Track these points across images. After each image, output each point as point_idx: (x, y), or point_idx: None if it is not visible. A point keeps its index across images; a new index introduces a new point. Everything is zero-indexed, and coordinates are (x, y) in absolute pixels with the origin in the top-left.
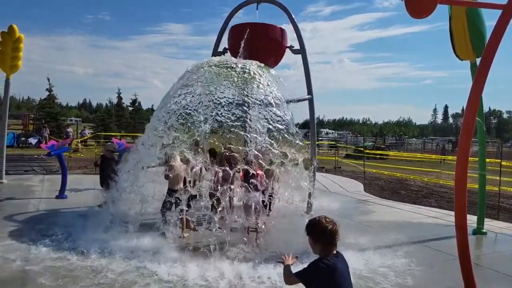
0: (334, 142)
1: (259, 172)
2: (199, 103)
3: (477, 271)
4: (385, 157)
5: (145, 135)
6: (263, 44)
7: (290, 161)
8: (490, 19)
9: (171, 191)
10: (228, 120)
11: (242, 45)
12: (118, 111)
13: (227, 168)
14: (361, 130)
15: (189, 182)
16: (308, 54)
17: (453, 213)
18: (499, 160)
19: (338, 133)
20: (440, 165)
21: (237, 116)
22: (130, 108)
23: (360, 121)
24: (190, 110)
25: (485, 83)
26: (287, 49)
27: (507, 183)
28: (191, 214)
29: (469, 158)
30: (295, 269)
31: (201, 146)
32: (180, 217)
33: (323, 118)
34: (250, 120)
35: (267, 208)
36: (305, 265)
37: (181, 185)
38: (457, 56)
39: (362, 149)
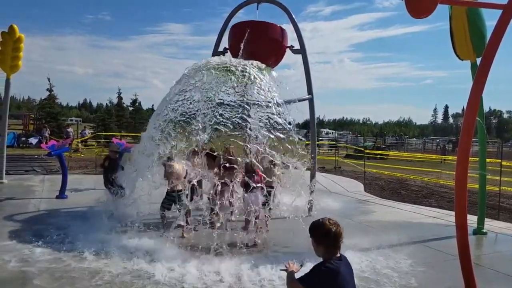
0: (334, 142)
1: (259, 172)
2: (197, 110)
3: (478, 271)
4: (385, 157)
5: (142, 144)
6: (263, 44)
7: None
8: (490, 19)
9: (170, 192)
10: (228, 130)
11: (242, 47)
12: (119, 111)
13: (226, 177)
14: (361, 130)
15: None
16: (308, 54)
17: (453, 213)
18: (499, 160)
19: (338, 133)
20: (440, 165)
21: (237, 123)
22: (131, 108)
23: (360, 121)
24: (188, 118)
25: (485, 83)
26: (287, 49)
27: (507, 183)
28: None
29: (470, 158)
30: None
31: (199, 156)
32: (180, 218)
33: (323, 118)
34: (250, 129)
35: (268, 206)
36: (307, 270)
37: (180, 185)
38: (457, 56)
39: (362, 149)
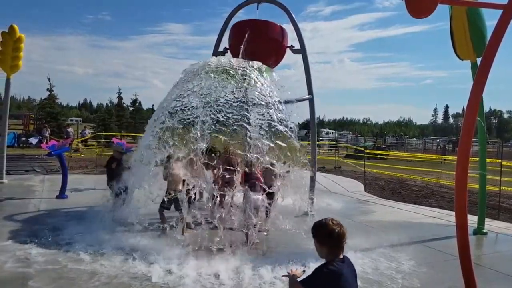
0: (334, 142)
1: (259, 172)
2: (196, 117)
3: (478, 271)
4: (385, 157)
5: (139, 152)
6: (263, 44)
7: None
8: (490, 19)
9: (170, 193)
10: (227, 139)
11: (242, 49)
12: (119, 111)
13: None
14: (362, 130)
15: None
16: (309, 54)
17: (453, 213)
18: (499, 160)
19: (339, 133)
20: (440, 165)
21: (237, 130)
22: (131, 108)
23: (361, 121)
24: (186, 125)
25: (485, 83)
26: (288, 49)
27: (507, 183)
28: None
29: (470, 158)
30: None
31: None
32: (180, 217)
33: (323, 118)
34: (250, 138)
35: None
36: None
37: (180, 187)
38: (457, 56)
39: (362, 149)
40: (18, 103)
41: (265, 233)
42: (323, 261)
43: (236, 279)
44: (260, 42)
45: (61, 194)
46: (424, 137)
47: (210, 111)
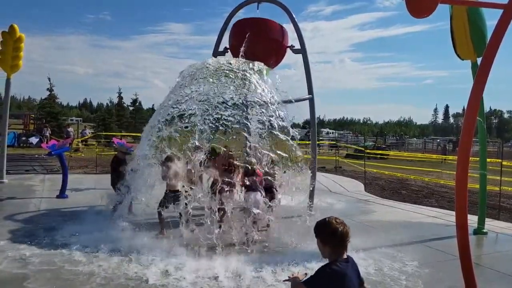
0: (334, 142)
1: (259, 172)
2: (194, 126)
3: (478, 271)
4: (385, 157)
5: (135, 162)
6: (264, 44)
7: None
8: (491, 18)
9: (169, 192)
10: (226, 151)
11: (242, 52)
12: (119, 111)
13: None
14: (362, 130)
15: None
16: (309, 54)
17: (453, 213)
18: (499, 160)
19: (339, 132)
20: (440, 165)
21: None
22: (131, 108)
23: (361, 121)
24: (182, 134)
25: (486, 83)
26: (288, 49)
27: (507, 183)
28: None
29: (470, 158)
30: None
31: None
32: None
33: (323, 117)
34: (249, 148)
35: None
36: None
37: (179, 186)
38: (458, 55)
39: (362, 149)
40: (18, 102)
41: (264, 230)
42: (325, 261)
43: (236, 281)
44: (261, 42)
45: (61, 194)
46: (424, 137)
47: (209, 119)
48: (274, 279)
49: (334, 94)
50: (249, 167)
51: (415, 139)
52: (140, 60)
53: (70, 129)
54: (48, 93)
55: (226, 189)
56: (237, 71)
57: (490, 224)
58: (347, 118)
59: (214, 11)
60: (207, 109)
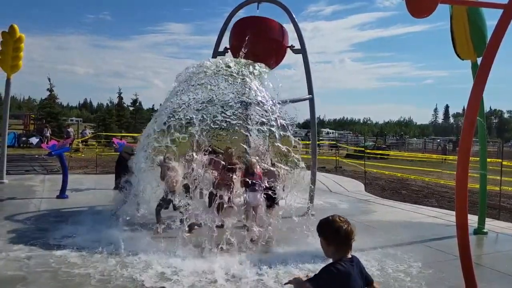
0: (334, 142)
1: (259, 171)
2: (190, 135)
3: (478, 271)
4: (386, 157)
5: (133, 175)
6: (264, 44)
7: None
8: (491, 18)
9: (167, 193)
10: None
11: (243, 53)
12: (119, 111)
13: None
14: (362, 130)
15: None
16: (309, 54)
17: (454, 213)
18: (500, 160)
19: (339, 132)
20: (441, 165)
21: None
22: (131, 108)
23: (361, 121)
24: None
25: (486, 83)
26: (288, 49)
27: (508, 182)
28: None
29: (470, 158)
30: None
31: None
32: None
33: (323, 117)
34: (248, 154)
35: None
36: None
37: (178, 186)
38: (458, 55)
39: (363, 149)
40: (18, 103)
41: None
42: (328, 261)
43: (236, 285)
44: (261, 42)
45: (62, 194)
46: (424, 137)
47: (207, 129)
48: (275, 282)
49: (334, 94)
50: (249, 167)
51: (415, 139)
52: (140, 60)
53: (70, 129)
54: (48, 93)
55: (226, 190)
56: (237, 76)
57: (490, 224)
58: (347, 118)
59: (214, 11)
60: (205, 118)
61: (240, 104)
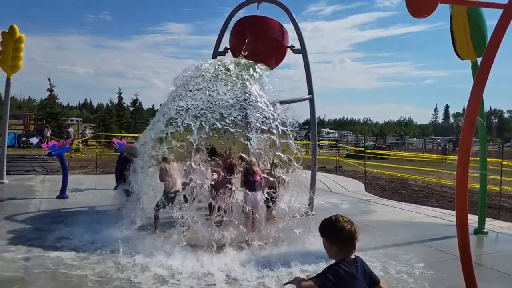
0: (335, 142)
1: (259, 171)
2: (188, 145)
3: (478, 271)
4: (386, 157)
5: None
6: (264, 44)
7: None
8: (491, 18)
9: (166, 193)
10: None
11: (243, 53)
12: (119, 111)
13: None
14: (362, 130)
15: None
16: (309, 54)
17: (454, 212)
18: (500, 160)
19: (339, 132)
20: (441, 165)
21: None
22: (131, 108)
23: (361, 121)
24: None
25: (486, 83)
26: (288, 49)
27: (508, 182)
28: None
29: (470, 158)
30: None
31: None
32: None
33: (324, 117)
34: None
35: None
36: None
37: (176, 187)
38: (458, 55)
39: (363, 149)
40: (18, 103)
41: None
42: (330, 263)
43: (236, 287)
44: (261, 42)
45: (62, 194)
46: (424, 136)
47: (206, 137)
48: (277, 285)
49: (334, 94)
50: (249, 167)
51: (415, 139)
52: (140, 60)
53: (70, 129)
54: (48, 93)
55: (226, 189)
56: (237, 80)
57: (491, 223)
58: (347, 118)
59: (214, 11)
60: (203, 126)
61: (240, 112)
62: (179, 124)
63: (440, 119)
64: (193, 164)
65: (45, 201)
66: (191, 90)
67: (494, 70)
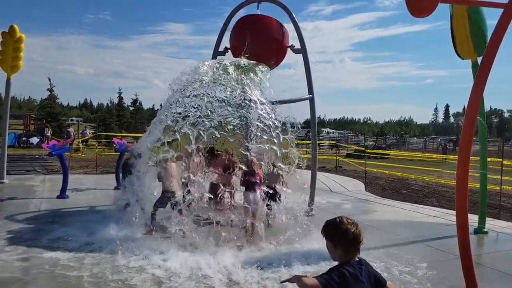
0: (335, 142)
1: (259, 171)
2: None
3: (478, 270)
4: (386, 156)
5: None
6: (264, 44)
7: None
8: (491, 18)
9: (164, 193)
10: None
11: (243, 55)
12: (119, 111)
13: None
14: (362, 130)
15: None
16: (309, 53)
17: (454, 212)
18: (500, 159)
19: (339, 132)
20: (441, 165)
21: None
22: (131, 108)
23: (361, 121)
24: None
25: (486, 83)
26: (288, 49)
27: (508, 182)
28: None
29: (470, 157)
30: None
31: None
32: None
33: (324, 117)
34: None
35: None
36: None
37: (175, 186)
38: (458, 55)
39: (363, 148)
40: (18, 103)
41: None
42: (332, 263)
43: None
44: (261, 41)
45: (62, 194)
46: (424, 136)
47: (203, 147)
48: (276, 286)
49: (335, 94)
50: (249, 167)
51: (415, 138)
52: (140, 60)
53: (71, 129)
54: (48, 93)
55: (225, 189)
56: (236, 85)
57: (491, 223)
58: (347, 118)
59: (214, 11)
60: (201, 135)
61: (240, 120)
62: (176, 133)
63: (440, 119)
64: (191, 176)
65: (45, 201)
66: (188, 96)
67: (494, 69)
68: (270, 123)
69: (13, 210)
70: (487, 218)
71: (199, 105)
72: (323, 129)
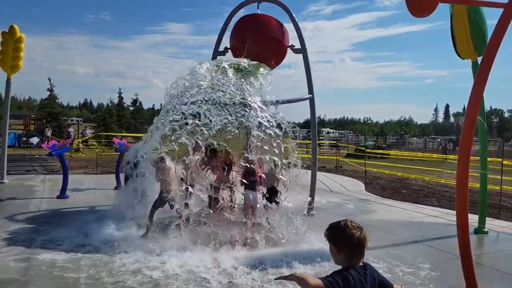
0: (335, 142)
1: (259, 171)
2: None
3: (479, 270)
4: (386, 156)
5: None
6: (264, 44)
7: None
8: (491, 18)
9: (160, 193)
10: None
11: (244, 54)
12: (119, 111)
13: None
14: (362, 130)
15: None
16: (309, 53)
17: (454, 212)
18: (500, 159)
19: (339, 132)
20: (441, 164)
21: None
22: (131, 108)
23: (361, 121)
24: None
25: (486, 82)
26: (288, 49)
27: (508, 182)
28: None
29: (471, 157)
30: None
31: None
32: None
33: (324, 117)
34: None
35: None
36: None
37: (174, 186)
38: (458, 55)
39: (363, 148)
40: (18, 103)
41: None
42: (335, 265)
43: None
44: (261, 41)
45: (62, 194)
46: (425, 136)
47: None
48: (277, 287)
49: (335, 94)
50: (249, 166)
51: (415, 138)
52: (140, 60)
53: (71, 129)
54: (48, 93)
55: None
56: (236, 92)
57: (491, 223)
58: (347, 118)
59: (214, 11)
60: (198, 143)
61: (239, 130)
62: (173, 143)
63: (440, 119)
64: (191, 175)
65: (45, 201)
66: (186, 104)
67: (494, 69)
68: (271, 132)
69: (13, 210)
70: (487, 218)
71: (198, 113)
72: (323, 129)
